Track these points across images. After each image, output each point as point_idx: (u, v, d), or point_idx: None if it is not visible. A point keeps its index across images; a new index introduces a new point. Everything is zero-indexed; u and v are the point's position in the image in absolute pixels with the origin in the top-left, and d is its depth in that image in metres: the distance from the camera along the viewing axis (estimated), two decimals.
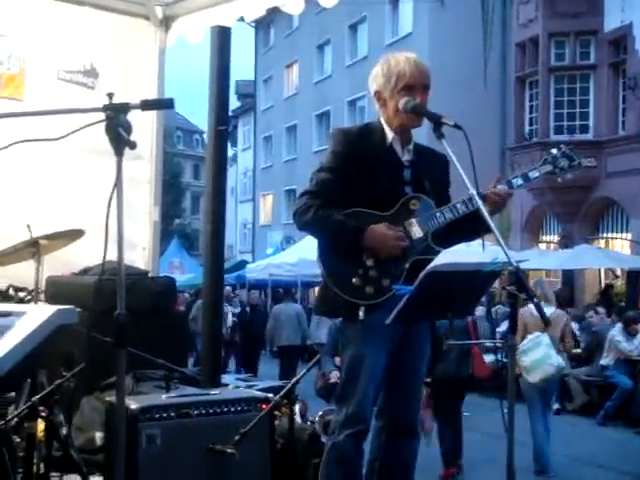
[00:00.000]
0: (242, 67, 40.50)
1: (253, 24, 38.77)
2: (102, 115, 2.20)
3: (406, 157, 3.31)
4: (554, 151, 3.38)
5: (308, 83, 34.67)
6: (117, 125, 2.10)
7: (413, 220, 3.19)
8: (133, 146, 2.10)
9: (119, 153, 2.12)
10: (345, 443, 3.17)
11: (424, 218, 3.19)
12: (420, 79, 3.21)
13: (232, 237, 43.22)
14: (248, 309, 16.74)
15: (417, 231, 3.19)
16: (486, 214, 2.91)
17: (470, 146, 2.95)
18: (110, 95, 2.14)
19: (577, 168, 3.38)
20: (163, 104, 2.33)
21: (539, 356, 7.35)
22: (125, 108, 2.14)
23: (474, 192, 2.98)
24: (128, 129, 2.13)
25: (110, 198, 2.19)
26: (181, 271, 28.42)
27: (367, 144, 3.25)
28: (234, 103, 44.39)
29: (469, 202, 3.17)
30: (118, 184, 2.14)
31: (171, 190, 47.57)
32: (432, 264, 3.05)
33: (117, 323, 2.16)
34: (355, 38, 31.32)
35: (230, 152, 44.57)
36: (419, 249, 3.18)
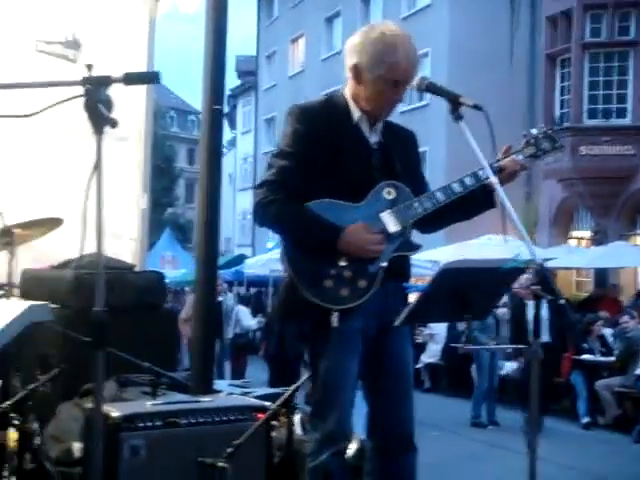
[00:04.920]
0: (243, 42, 40.56)
1: None
2: (81, 90, 2.19)
3: (374, 138, 3.26)
4: (534, 131, 3.38)
5: (315, 59, 34.60)
6: (97, 100, 2.08)
7: (389, 212, 3.15)
8: (114, 124, 2.09)
9: (99, 132, 2.10)
10: (330, 463, 3.12)
11: (401, 209, 3.15)
12: (411, 76, 3.16)
13: (230, 229, 43.27)
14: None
15: (394, 224, 3.14)
16: (508, 203, 2.91)
17: (492, 129, 2.96)
18: (89, 67, 2.13)
19: (559, 150, 3.41)
20: (147, 78, 2.32)
21: None
22: (106, 82, 2.13)
23: (494, 179, 2.99)
24: (109, 105, 2.12)
25: (89, 182, 2.18)
26: (173, 266, 28.46)
27: (331, 123, 3.18)
28: (233, 81, 44.42)
29: (449, 189, 3.17)
30: (97, 166, 2.13)
31: (163, 176, 47.66)
32: (447, 261, 3.04)
33: (95, 321, 2.15)
34: (367, 10, 31.25)
35: (229, 135, 44.60)
36: (397, 245, 3.15)
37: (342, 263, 3.05)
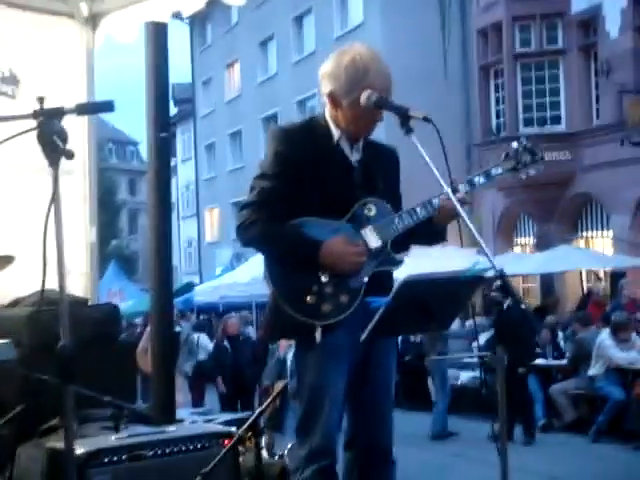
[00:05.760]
0: (177, 69, 40.46)
1: (187, 21, 38.79)
2: (33, 123, 2.16)
3: (355, 157, 3.29)
4: (515, 145, 3.42)
5: (252, 84, 34.68)
6: (51, 132, 2.06)
7: (370, 228, 3.18)
8: (70, 155, 2.07)
9: (54, 164, 2.08)
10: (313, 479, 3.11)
11: (381, 225, 3.18)
12: (389, 93, 3.18)
13: (176, 258, 42.94)
14: (226, 343, 13.10)
15: (375, 240, 3.17)
16: (463, 213, 2.95)
17: (442, 139, 2.99)
18: (41, 99, 2.10)
19: (540, 163, 3.42)
20: (102, 107, 2.29)
21: None
22: (59, 113, 2.10)
23: (449, 190, 3.01)
24: (64, 137, 2.09)
25: (47, 216, 2.15)
26: (121, 298, 28.14)
27: (312, 143, 3.22)
28: (171, 109, 44.20)
29: (429, 205, 3.20)
30: (55, 199, 2.09)
31: (105, 209, 47.23)
32: (407, 274, 3.05)
33: (62, 356, 2.11)
34: (301, 32, 31.45)
35: None
36: (378, 260, 3.18)
37: (324, 279, 3.08)
